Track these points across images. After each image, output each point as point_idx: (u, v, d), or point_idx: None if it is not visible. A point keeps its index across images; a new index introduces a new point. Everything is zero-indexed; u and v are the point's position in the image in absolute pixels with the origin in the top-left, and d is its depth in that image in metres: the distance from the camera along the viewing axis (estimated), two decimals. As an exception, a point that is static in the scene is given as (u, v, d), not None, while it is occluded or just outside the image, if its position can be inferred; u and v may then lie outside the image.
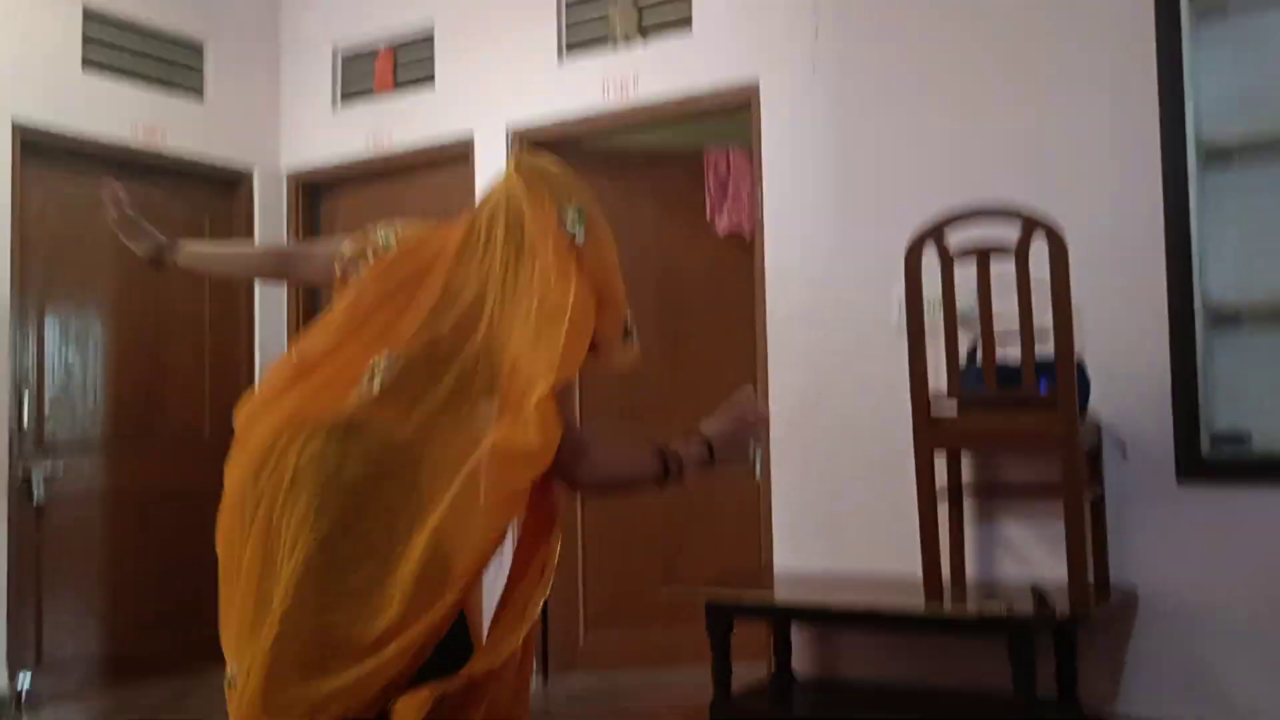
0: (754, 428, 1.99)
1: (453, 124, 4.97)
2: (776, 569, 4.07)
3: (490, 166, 4.83)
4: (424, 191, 5.01)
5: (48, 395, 4.59)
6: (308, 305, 5.34)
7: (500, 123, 4.82)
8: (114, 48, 4.84)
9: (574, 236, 1.94)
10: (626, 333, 2.06)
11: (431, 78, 5.09)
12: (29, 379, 4.51)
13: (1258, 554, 3.31)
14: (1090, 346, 3.48)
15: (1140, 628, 3.45)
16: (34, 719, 4.33)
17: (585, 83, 4.61)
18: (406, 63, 5.20)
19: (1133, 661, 3.46)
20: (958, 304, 3.34)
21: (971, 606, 3.21)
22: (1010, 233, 3.21)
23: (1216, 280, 3.51)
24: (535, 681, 4.65)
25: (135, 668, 4.75)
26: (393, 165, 5.19)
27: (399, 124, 5.11)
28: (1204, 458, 3.40)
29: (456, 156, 4.96)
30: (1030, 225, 3.18)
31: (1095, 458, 3.48)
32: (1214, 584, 3.35)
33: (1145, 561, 3.45)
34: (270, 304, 5.37)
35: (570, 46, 4.72)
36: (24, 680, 4.33)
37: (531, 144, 4.79)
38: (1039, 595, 3.11)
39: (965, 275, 3.28)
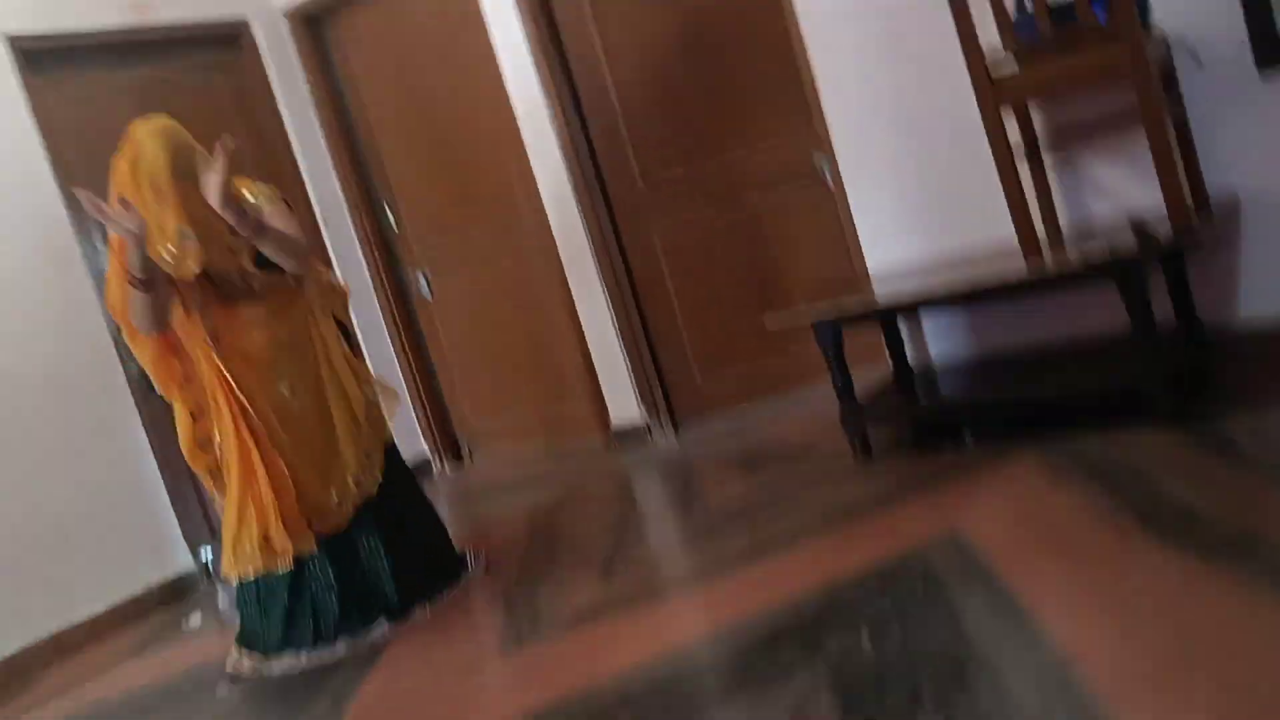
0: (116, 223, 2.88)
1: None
2: (872, 271, 4.05)
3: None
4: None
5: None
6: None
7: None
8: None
9: None
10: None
11: None
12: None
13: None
14: (1142, -42, 3.28)
15: (1248, 231, 3.37)
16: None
17: None
18: None
19: (1247, 267, 3.40)
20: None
21: (1073, 257, 3.14)
22: None
23: None
24: (668, 435, 4.78)
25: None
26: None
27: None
28: (1282, 40, 3.22)
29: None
30: None
31: (1169, 74, 3.32)
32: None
33: (1240, 163, 3.33)
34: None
35: None
36: (206, 554, 4.59)
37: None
38: (1139, 227, 3.02)
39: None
